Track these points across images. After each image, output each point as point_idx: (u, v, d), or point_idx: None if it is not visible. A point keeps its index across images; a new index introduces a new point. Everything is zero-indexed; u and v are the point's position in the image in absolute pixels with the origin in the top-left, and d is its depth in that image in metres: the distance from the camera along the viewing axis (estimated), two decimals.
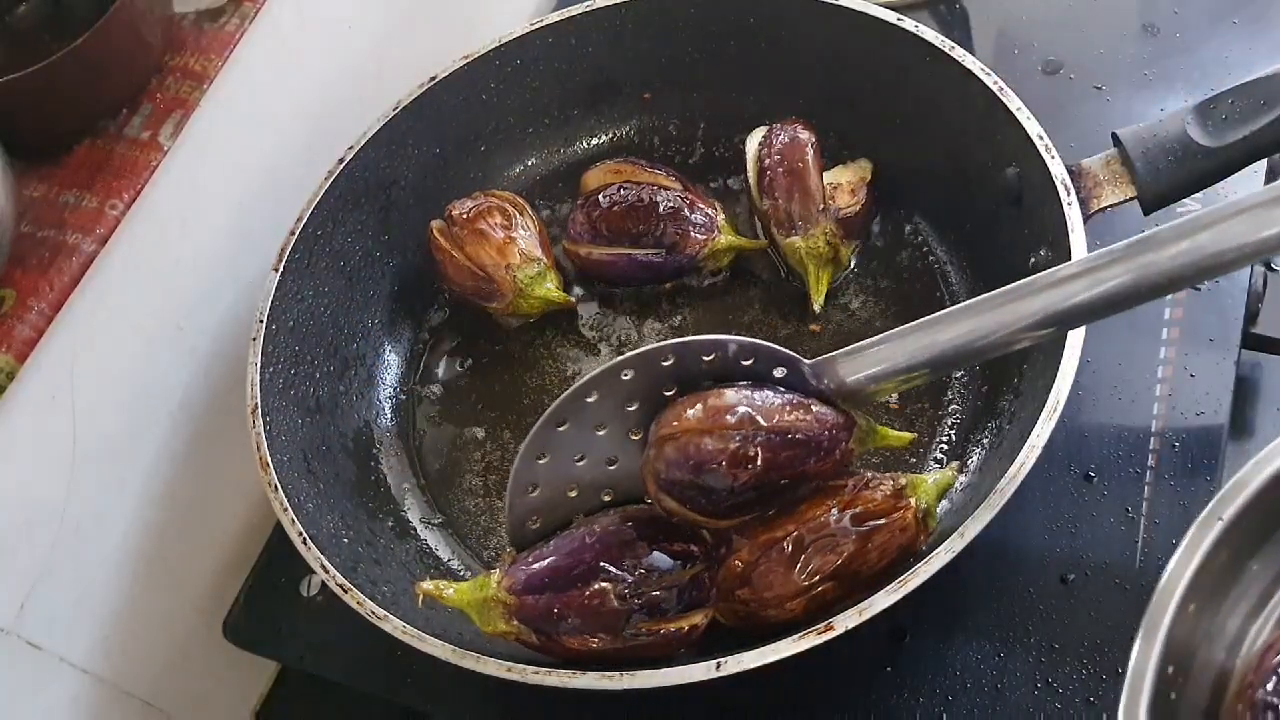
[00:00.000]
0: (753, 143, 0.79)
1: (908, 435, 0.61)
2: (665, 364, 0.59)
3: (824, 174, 0.76)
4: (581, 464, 0.61)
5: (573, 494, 0.62)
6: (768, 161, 0.76)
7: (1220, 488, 0.64)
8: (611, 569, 0.57)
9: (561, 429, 0.60)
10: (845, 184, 0.77)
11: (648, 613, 0.57)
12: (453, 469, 0.76)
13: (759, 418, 0.56)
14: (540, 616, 0.57)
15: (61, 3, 0.74)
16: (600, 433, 0.60)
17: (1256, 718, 0.50)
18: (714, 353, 0.59)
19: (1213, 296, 0.71)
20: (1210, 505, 0.51)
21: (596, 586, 0.57)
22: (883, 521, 0.57)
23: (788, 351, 0.59)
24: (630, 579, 0.57)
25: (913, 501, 0.58)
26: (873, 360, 0.57)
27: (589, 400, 0.59)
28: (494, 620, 0.58)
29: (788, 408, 0.57)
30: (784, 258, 0.77)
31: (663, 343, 0.58)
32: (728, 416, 0.56)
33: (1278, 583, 0.55)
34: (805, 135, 0.77)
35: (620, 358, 0.58)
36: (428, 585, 0.58)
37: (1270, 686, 0.50)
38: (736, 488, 0.56)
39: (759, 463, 0.56)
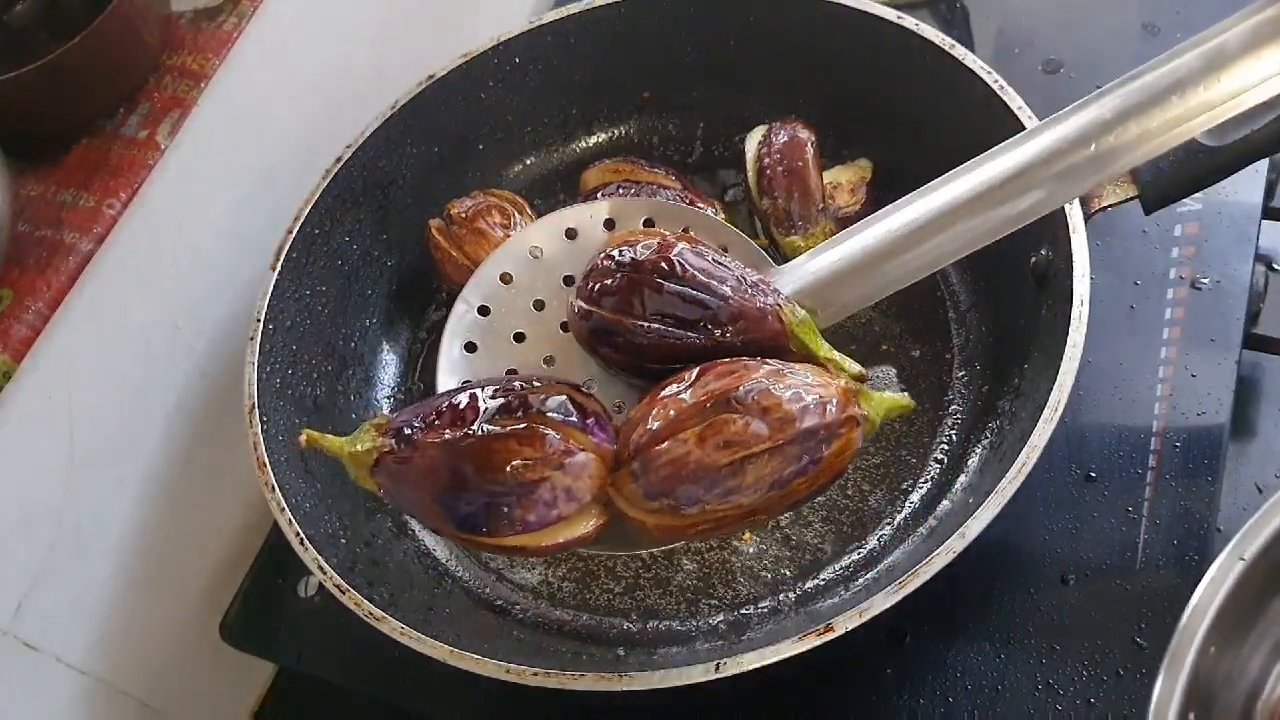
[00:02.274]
0: (752, 142, 0.78)
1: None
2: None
3: (824, 173, 0.76)
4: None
5: None
6: (767, 161, 0.76)
7: (1221, 488, 0.65)
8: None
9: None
10: (845, 183, 0.77)
11: (511, 408, 0.53)
12: None
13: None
14: (403, 424, 0.54)
15: (59, 2, 0.74)
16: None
17: None
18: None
19: (1214, 296, 0.71)
20: (1232, 543, 0.50)
21: (465, 392, 0.54)
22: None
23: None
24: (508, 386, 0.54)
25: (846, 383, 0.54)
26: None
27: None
28: (362, 440, 0.54)
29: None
30: (783, 257, 0.77)
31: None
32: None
33: None
34: (805, 135, 0.77)
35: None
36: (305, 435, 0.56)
37: None
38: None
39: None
